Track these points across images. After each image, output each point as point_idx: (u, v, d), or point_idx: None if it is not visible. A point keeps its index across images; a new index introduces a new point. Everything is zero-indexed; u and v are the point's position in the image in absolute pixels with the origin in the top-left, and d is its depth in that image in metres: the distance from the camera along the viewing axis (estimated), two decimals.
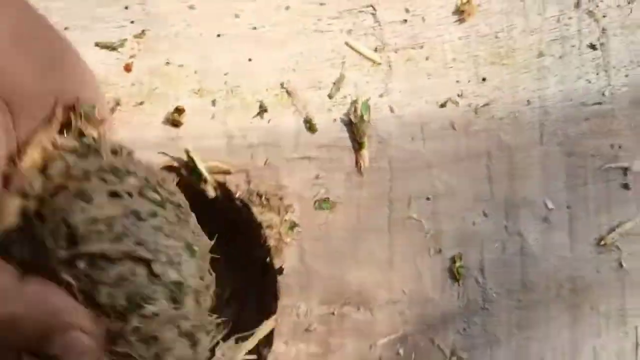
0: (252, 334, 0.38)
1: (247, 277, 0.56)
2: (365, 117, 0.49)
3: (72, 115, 0.30)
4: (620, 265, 0.50)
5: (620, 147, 0.50)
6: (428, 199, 0.49)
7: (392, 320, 0.49)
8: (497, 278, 0.50)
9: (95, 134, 0.31)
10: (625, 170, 0.51)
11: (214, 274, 0.32)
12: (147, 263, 0.28)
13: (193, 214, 0.32)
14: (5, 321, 0.24)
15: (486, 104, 0.50)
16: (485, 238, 0.50)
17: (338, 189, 0.50)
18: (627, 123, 0.51)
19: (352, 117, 0.49)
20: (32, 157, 0.28)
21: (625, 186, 0.50)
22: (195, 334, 0.30)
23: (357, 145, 0.49)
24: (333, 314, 0.49)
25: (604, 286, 0.51)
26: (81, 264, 0.28)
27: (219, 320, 0.32)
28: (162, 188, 0.31)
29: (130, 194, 0.29)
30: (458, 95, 0.49)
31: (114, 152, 0.31)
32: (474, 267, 0.50)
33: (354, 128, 0.49)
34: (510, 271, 0.50)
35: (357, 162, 0.50)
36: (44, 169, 0.28)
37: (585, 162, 0.51)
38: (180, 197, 0.32)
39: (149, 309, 0.28)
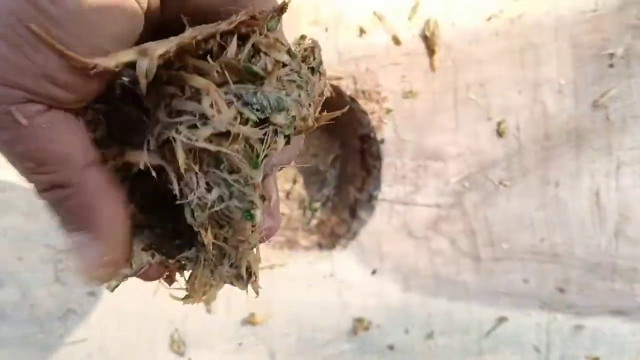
0: None
1: (347, 146, 0.66)
2: (435, 32, 0.59)
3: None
4: (607, 118, 0.60)
5: (608, 40, 0.58)
6: (481, 84, 0.60)
7: (459, 166, 0.62)
8: (528, 132, 0.61)
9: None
10: (611, 55, 0.59)
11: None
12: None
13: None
14: None
15: (519, 16, 0.58)
16: (520, 107, 0.61)
17: (418, 83, 0.61)
18: (612, 23, 0.57)
19: (426, 32, 0.59)
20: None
21: (611, 66, 0.59)
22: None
23: (430, 52, 0.60)
24: (419, 166, 0.62)
25: (597, 131, 0.61)
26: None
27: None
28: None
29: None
30: (499, 11, 0.59)
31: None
32: (513, 127, 0.61)
33: (427, 40, 0.59)
34: (536, 127, 0.61)
35: (430, 64, 0.60)
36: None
37: (584, 51, 0.58)
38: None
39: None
